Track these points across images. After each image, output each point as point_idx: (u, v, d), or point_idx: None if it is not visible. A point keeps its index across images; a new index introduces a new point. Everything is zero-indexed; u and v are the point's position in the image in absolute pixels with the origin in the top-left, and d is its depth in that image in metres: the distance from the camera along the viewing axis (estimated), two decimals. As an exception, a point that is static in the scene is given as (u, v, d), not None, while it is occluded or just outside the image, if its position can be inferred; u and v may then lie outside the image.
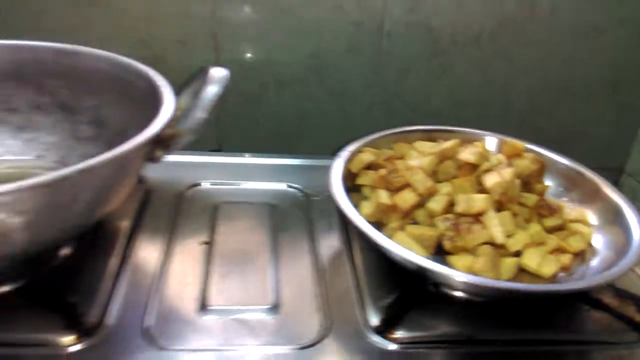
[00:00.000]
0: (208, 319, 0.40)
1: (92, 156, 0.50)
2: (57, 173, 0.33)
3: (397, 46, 0.66)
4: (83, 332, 0.37)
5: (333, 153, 0.63)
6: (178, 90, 0.45)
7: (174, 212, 0.52)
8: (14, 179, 0.48)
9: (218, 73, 0.42)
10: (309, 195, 0.57)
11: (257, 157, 0.62)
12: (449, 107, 0.71)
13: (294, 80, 0.67)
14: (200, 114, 0.40)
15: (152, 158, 0.40)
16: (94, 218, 0.39)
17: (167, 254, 0.46)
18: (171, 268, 0.45)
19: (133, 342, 0.37)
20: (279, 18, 0.62)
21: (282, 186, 0.58)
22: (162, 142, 0.39)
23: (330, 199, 0.56)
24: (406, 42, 0.66)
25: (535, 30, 0.66)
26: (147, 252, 0.46)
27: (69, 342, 0.37)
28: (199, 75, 0.44)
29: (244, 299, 0.43)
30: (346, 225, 0.52)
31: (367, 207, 0.46)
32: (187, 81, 0.45)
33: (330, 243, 0.50)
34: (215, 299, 0.42)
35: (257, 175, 0.59)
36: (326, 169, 0.61)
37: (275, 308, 0.42)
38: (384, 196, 0.46)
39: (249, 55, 0.65)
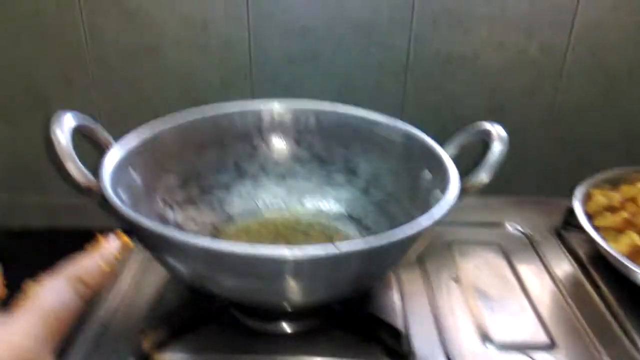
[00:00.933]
0: (495, 352, 0.45)
1: (346, 200, 0.59)
2: (399, 232, 0.37)
3: (574, 86, 0.70)
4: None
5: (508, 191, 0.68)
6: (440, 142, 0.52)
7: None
8: (291, 224, 0.57)
9: (501, 132, 0.47)
10: (528, 234, 0.62)
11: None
12: (622, 141, 0.73)
13: (474, 119, 0.72)
14: (486, 174, 0.45)
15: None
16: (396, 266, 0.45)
17: (428, 289, 0.52)
18: (439, 302, 0.50)
19: (444, 369, 0.43)
20: (465, 64, 0.68)
21: (501, 224, 0.63)
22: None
23: (548, 239, 0.61)
24: (583, 81, 0.70)
25: None
26: (414, 287, 0.52)
27: (391, 367, 0.43)
28: (468, 131, 0.50)
29: (519, 333, 0.47)
30: (581, 263, 0.56)
31: (618, 247, 0.50)
32: (455, 135, 0.51)
33: (569, 280, 0.54)
34: (493, 333, 0.47)
35: (473, 214, 0.65)
36: (530, 206, 0.67)
37: (552, 345, 0.46)
38: (637, 238, 0.49)
39: (433, 98, 0.71)
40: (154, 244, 0.40)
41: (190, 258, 0.38)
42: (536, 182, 0.74)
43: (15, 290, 0.29)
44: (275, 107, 0.59)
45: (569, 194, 0.75)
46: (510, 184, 0.73)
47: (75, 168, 0.42)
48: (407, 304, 0.50)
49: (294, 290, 0.37)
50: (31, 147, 0.69)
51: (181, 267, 0.40)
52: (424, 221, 0.38)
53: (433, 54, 0.67)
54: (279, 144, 0.60)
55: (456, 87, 0.70)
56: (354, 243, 0.34)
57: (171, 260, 0.40)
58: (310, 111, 0.59)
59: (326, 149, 0.60)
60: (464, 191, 0.44)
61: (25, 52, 0.64)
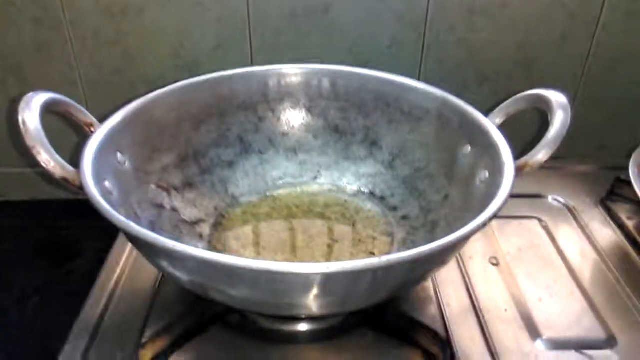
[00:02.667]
0: (547, 351, 0.39)
1: (368, 176, 0.52)
2: (457, 232, 0.30)
3: (612, 36, 0.62)
4: (441, 364, 0.38)
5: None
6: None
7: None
8: (305, 205, 0.50)
9: (561, 100, 0.38)
10: (570, 206, 0.55)
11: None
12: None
13: (499, 74, 0.65)
14: (546, 151, 0.37)
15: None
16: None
17: (465, 275, 0.46)
18: (478, 291, 0.44)
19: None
20: (491, 14, 0.59)
21: (541, 196, 0.56)
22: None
23: (593, 211, 0.54)
24: (622, 32, 0.61)
25: None
26: (449, 275, 0.46)
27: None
28: (520, 99, 0.42)
29: (572, 326, 0.41)
30: (631, 238, 0.50)
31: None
32: (503, 102, 0.43)
33: (620, 258, 0.48)
34: (543, 326, 0.41)
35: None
36: (570, 175, 0.60)
37: (611, 340, 0.40)
38: None
39: (454, 53, 0.63)
40: (149, 251, 0.34)
41: (195, 271, 0.31)
42: (565, 143, 0.67)
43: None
44: (283, 71, 0.51)
45: (600, 157, 0.69)
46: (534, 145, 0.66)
47: (49, 157, 0.34)
48: (444, 296, 0.43)
49: (322, 303, 0.31)
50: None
51: (183, 278, 0.34)
52: (481, 218, 0.31)
53: (456, 3, 0.58)
54: (289, 113, 0.52)
55: (481, 39, 0.62)
56: (401, 254, 0.27)
57: (171, 270, 0.34)
58: (324, 74, 0.51)
59: (343, 118, 0.52)
60: (518, 170, 0.37)
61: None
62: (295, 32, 0.58)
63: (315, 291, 0.29)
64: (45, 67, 0.58)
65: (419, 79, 0.59)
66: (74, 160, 0.37)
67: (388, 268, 0.27)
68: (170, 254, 0.29)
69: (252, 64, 0.58)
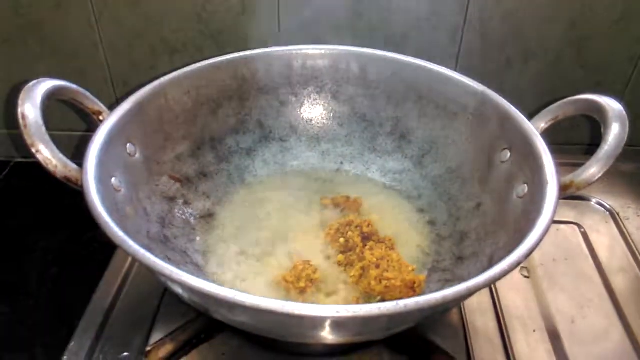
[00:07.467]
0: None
1: (395, 172, 0.48)
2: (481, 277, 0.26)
3: None
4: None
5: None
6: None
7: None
8: (326, 198, 0.47)
9: (616, 108, 0.33)
10: (614, 211, 0.50)
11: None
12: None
13: (548, 53, 0.59)
14: (599, 167, 0.32)
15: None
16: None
17: (493, 287, 0.43)
18: (506, 307, 0.41)
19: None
20: None
21: (581, 197, 0.52)
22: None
23: (636, 218, 0.50)
24: None
25: None
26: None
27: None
28: (569, 103, 0.37)
29: (602, 358, 0.39)
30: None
31: None
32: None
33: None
34: (573, 358, 0.38)
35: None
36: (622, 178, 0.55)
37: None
38: None
39: (498, 27, 0.57)
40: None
41: (195, 298, 0.29)
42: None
43: None
44: (309, 52, 0.47)
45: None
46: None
47: (49, 155, 0.32)
48: (468, 312, 0.41)
49: (333, 338, 0.29)
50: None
51: (185, 298, 0.32)
52: (515, 255, 0.27)
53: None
54: (313, 98, 0.48)
55: (530, 14, 0.55)
56: (422, 298, 0.24)
57: (173, 291, 0.32)
58: (353, 57, 0.47)
59: (371, 107, 0.48)
60: (561, 190, 0.33)
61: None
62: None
63: (325, 328, 0.26)
64: (66, 26, 0.55)
65: (458, 53, 0.55)
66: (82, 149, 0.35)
67: (406, 313, 0.25)
68: (170, 279, 0.27)
69: (279, 32, 0.53)
